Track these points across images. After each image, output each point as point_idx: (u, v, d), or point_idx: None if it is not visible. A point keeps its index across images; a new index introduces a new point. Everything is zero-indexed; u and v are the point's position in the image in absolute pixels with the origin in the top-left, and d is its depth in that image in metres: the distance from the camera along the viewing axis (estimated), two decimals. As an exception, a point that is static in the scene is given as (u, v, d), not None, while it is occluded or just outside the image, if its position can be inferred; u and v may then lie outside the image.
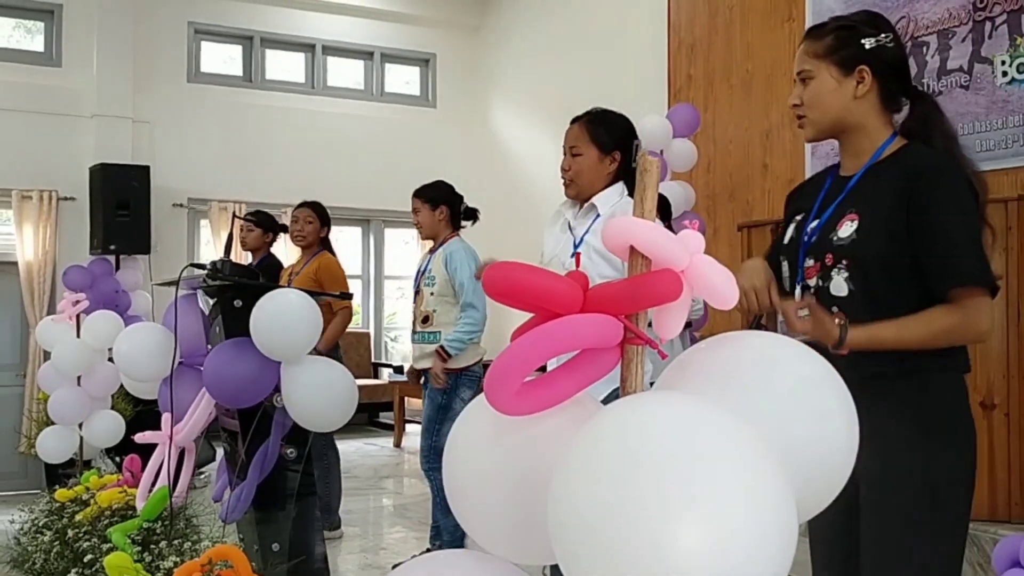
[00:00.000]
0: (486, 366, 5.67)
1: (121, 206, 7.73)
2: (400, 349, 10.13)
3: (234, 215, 4.73)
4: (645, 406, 0.79)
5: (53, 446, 5.19)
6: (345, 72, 9.83)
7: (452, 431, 1.00)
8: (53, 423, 5.48)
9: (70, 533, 3.16)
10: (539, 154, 9.26)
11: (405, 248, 10.10)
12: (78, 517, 3.26)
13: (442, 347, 3.91)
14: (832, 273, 1.87)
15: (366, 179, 9.30)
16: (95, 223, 7.89)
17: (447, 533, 3.96)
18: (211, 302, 3.41)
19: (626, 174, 2.89)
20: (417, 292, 4.19)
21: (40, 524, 3.60)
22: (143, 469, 3.58)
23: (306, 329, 2.90)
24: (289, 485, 3.06)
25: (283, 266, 5.40)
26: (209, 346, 3.33)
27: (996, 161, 4.78)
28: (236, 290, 3.06)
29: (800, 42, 2.05)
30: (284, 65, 9.52)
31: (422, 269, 4.22)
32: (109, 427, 5.27)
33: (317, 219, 5.01)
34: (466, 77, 10.10)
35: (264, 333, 2.88)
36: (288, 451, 3.08)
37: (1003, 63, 4.83)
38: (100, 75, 8.34)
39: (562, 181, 2.94)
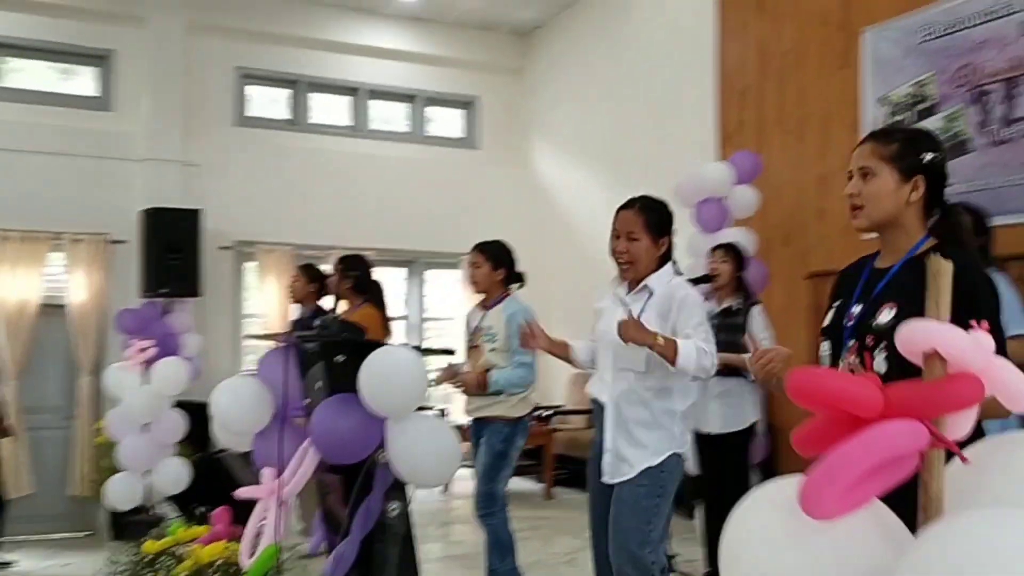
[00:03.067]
0: (534, 415, 5.72)
1: (172, 249, 7.79)
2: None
3: (336, 267, 4.78)
4: (990, 525, 0.80)
5: (121, 493, 5.22)
6: (389, 115, 9.93)
7: (732, 531, 1.01)
8: (117, 470, 5.53)
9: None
10: (582, 197, 9.32)
11: (447, 290, 10.13)
12: (177, 571, 3.26)
13: (488, 374, 4.05)
14: (874, 353, 2.08)
15: (409, 220, 9.36)
16: (146, 266, 7.95)
17: None
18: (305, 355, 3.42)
19: (669, 255, 3.20)
20: (473, 347, 4.25)
21: (129, 576, 3.60)
22: (233, 522, 3.59)
23: (414, 386, 2.92)
24: (392, 542, 3.05)
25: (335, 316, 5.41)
26: (308, 400, 3.34)
27: (1067, 209, 4.78)
28: (339, 346, 3.08)
29: (863, 141, 2.28)
30: (329, 108, 9.62)
31: (477, 324, 4.27)
32: (177, 474, 5.30)
33: (342, 269, 4.99)
34: (509, 120, 10.18)
35: (373, 389, 2.89)
36: (391, 507, 3.08)
37: (1072, 112, 4.85)
38: (150, 119, 8.46)
39: (618, 263, 3.16)
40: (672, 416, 3.03)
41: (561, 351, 3.33)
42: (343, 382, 3.08)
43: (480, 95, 10.15)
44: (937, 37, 5.58)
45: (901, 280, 2.12)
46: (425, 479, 3.06)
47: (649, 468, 2.98)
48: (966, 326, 1.77)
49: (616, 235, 3.16)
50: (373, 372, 2.90)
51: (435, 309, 9.98)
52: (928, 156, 2.19)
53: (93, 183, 8.27)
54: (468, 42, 9.91)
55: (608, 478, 3.06)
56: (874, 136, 2.26)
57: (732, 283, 4.68)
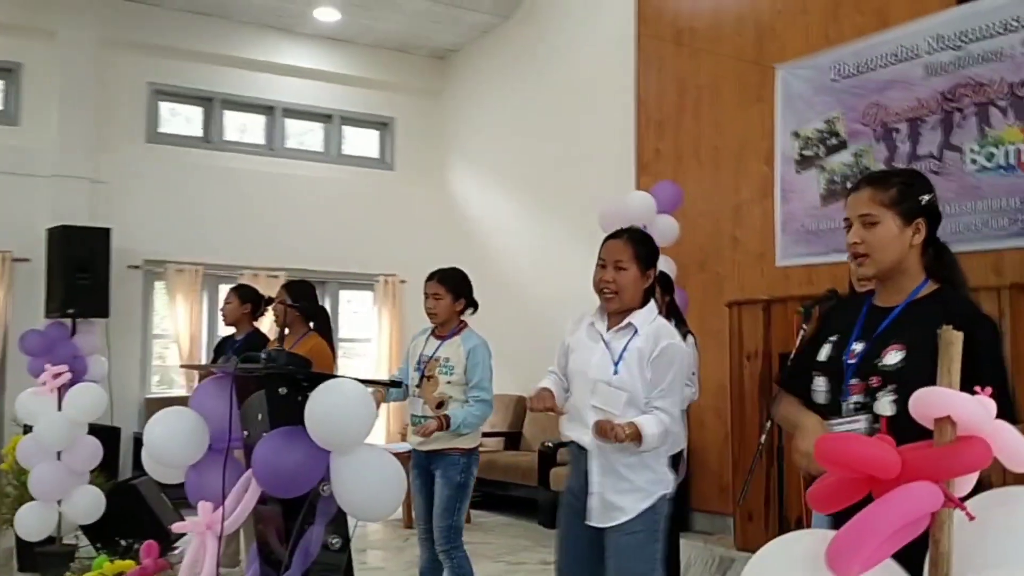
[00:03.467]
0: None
1: (81, 269, 7.56)
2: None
3: (268, 298, 4.68)
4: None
5: (33, 523, 5.02)
6: (304, 134, 9.84)
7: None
8: (24, 498, 5.31)
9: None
10: (499, 218, 9.39)
11: (361, 310, 10.07)
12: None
13: (448, 419, 3.97)
14: (878, 395, 2.08)
15: (324, 241, 9.28)
16: (53, 286, 7.69)
17: None
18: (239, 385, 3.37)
19: (651, 291, 3.11)
20: (427, 377, 4.14)
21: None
22: (161, 555, 3.50)
23: (360, 419, 2.91)
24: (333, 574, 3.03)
25: (266, 340, 5.24)
26: (246, 432, 3.29)
27: (970, 244, 5.04)
28: (283, 378, 3.04)
29: (857, 187, 2.27)
30: (243, 127, 9.48)
31: (431, 354, 4.18)
32: (90, 503, 5.13)
33: (287, 296, 4.72)
34: (425, 141, 10.20)
35: (319, 423, 2.87)
36: (332, 540, 3.06)
37: (972, 151, 5.13)
38: (59, 134, 8.21)
39: (602, 293, 3.05)
40: (657, 456, 3.01)
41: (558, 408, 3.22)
42: (285, 414, 3.04)
43: (397, 116, 10.15)
44: (846, 77, 5.84)
45: (906, 322, 2.13)
46: (369, 512, 3.03)
47: (644, 511, 2.94)
48: (980, 376, 1.86)
49: (602, 264, 3.06)
50: (319, 406, 2.88)
51: (349, 330, 9.91)
52: (926, 198, 2.21)
53: (-1, 198, 7.98)
54: (386, 63, 9.91)
55: (596, 522, 2.98)
56: (871, 182, 2.26)
57: (663, 310, 4.78)
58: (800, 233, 6.13)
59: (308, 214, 9.26)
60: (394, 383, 3.89)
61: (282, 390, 3.08)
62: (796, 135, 6.14)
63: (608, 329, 3.05)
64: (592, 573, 3.02)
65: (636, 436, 2.82)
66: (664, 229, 5.83)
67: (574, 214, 8.14)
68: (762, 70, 6.43)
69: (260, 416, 3.15)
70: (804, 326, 4.06)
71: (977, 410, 0.98)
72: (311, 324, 4.68)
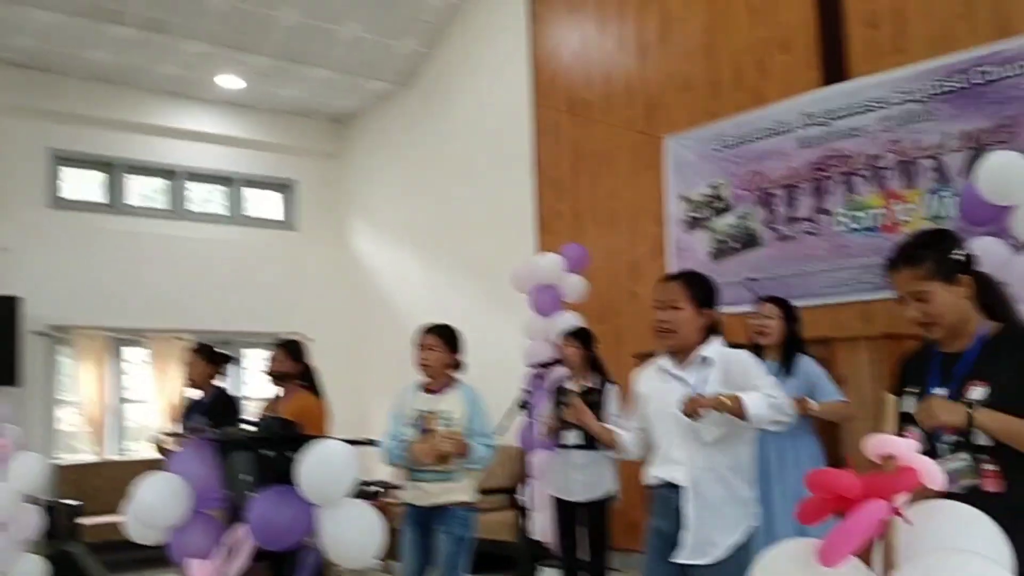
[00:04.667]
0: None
1: (-10, 338, 7.55)
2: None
3: (280, 353, 4.86)
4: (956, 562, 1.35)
5: (-27, 596, 5.05)
6: (207, 197, 10.02)
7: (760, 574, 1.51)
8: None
9: None
10: (401, 276, 9.77)
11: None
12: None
13: (467, 446, 4.02)
14: (973, 428, 2.28)
15: (228, 301, 9.44)
16: (-41, 356, 7.64)
17: None
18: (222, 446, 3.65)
19: (716, 330, 3.16)
20: (426, 431, 4.13)
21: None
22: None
23: (348, 476, 3.26)
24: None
25: (235, 402, 5.37)
26: (228, 492, 3.57)
27: (843, 296, 5.75)
28: (270, 441, 3.37)
29: (894, 266, 2.47)
30: (146, 190, 9.60)
31: (427, 409, 4.19)
32: (36, 572, 5.20)
33: (286, 355, 5.03)
34: (327, 201, 10.53)
35: (309, 480, 3.21)
36: (318, 587, 3.39)
37: (841, 215, 5.85)
38: (-41, 203, 8.18)
39: (658, 332, 3.11)
40: (747, 490, 3.05)
41: (606, 436, 3.34)
42: (270, 474, 3.37)
43: (299, 178, 10.44)
44: (728, 147, 6.52)
45: (983, 360, 2.33)
46: (353, 560, 3.38)
47: (735, 547, 2.97)
48: None
49: (658, 306, 3.10)
50: (309, 464, 3.22)
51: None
52: (958, 254, 2.39)
53: None
54: (287, 127, 10.22)
55: (689, 559, 2.99)
56: (905, 261, 2.42)
57: (586, 364, 5.24)
58: (692, 287, 6.74)
59: (213, 275, 9.42)
60: (371, 441, 4.17)
61: (268, 452, 3.40)
62: (686, 199, 6.78)
63: (681, 367, 3.10)
64: None
65: (737, 404, 2.88)
66: (572, 287, 6.36)
67: (477, 273, 8.62)
68: (652, 139, 7.06)
69: (246, 477, 3.46)
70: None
71: (909, 448, 1.47)
72: (300, 382, 4.89)
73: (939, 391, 2.35)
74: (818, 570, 1.46)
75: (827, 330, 5.42)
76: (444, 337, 4.32)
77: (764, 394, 2.92)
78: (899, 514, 1.48)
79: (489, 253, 8.43)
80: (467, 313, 8.44)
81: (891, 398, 1.63)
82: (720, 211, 6.58)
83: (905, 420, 2.43)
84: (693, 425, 2.98)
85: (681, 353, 3.12)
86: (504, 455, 5.96)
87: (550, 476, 5.22)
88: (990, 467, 2.27)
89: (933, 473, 1.52)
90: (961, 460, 2.28)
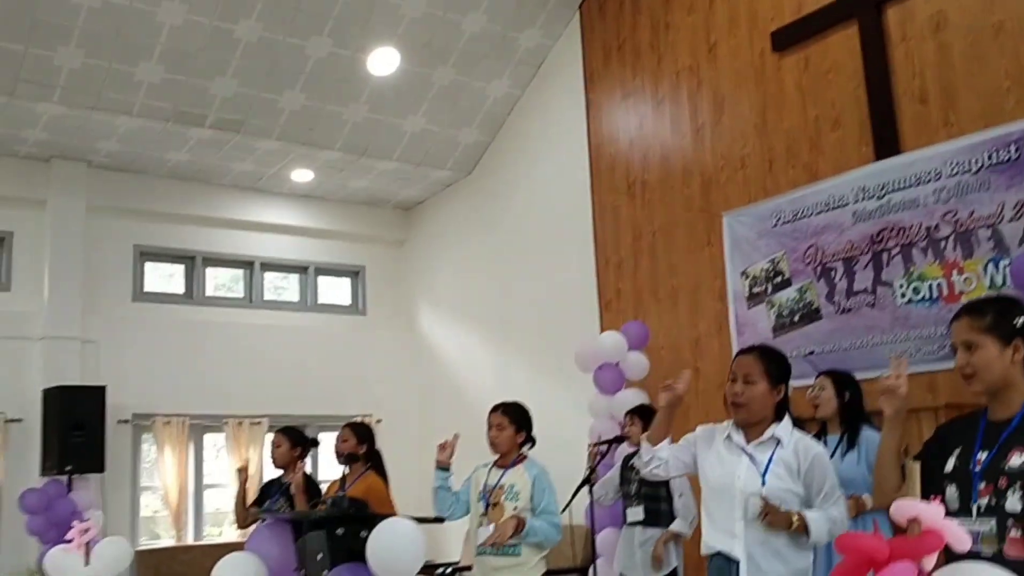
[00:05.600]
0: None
1: (76, 426, 7.88)
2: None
3: (314, 440, 5.02)
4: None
5: None
6: (281, 285, 10.41)
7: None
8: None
9: None
10: (466, 355, 9.97)
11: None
12: None
13: (523, 522, 4.07)
14: (1008, 493, 2.35)
15: (302, 386, 9.69)
16: (48, 444, 7.98)
17: None
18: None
19: (787, 407, 3.24)
20: (493, 505, 4.22)
21: None
22: None
23: (416, 553, 3.40)
24: None
25: (316, 484, 5.49)
26: (303, 569, 3.73)
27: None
28: (342, 520, 3.52)
29: (958, 315, 2.59)
30: (223, 282, 10.02)
31: (495, 483, 4.29)
32: (117, 655, 5.38)
33: (354, 437, 5.16)
34: (394, 286, 10.85)
35: (379, 558, 3.35)
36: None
37: (900, 286, 5.88)
38: (50, 298, 8.63)
39: (732, 405, 3.19)
40: (805, 561, 3.07)
41: (666, 426, 3.39)
42: (345, 552, 3.52)
43: (367, 264, 10.80)
44: (785, 223, 6.62)
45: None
46: (422, 634, 3.50)
47: None
48: None
49: (732, 379, 3.17)
50: (379, 542, 3.37)
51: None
52: (1021, 320, 2.47)
53: (-10, 363, 8.32)
54: (356, 217, 10.62)
55: None
56: (968, 311, 2.55)
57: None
58: (755, 362, 6.79)
59: (287, 361, 9.73)
60: (438, 519, 4.29)
61: (340, 531, 3.56)
62: (744, 274, 6.87)
63: (748, 442, 3.15)
64: None
65: (802, 526, 2.97)
66: (635, 365, 6.48)
67: (542, 352, 8.76)
68: (709, 217, 7.20)
69: (320, 555, 3.61)
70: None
71: (934, 512, 1.56)
72: (368, 464, 5.04)
73: (982, 455, 2.42)
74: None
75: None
76: (512, 415, 4.44)
77: (829, 518, 3.01)
78: (926, 574, 1.56)
79: (552, 333, 8.57)
80: (531, 392, 8.51)
81: (915, 465, 1.73)
82: (779, 286, 6.64)
83: (946, 479, 2.48)
84: (754, 497, 3.04)
85: (751, 428, 3.17)
86: (574, 534, 6.02)
87: (619, 556, 5.27)
88: (1017, 533, 2.30)
89: (958, 536, 1.60)
90: (988, 524, 2.33)
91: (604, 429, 6.09)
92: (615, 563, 5.34)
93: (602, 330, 7.58)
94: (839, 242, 6.26)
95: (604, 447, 5.63)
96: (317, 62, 8.14)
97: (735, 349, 6.95)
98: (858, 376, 4.84)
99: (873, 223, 6.04)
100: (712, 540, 3.17)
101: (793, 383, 5.93)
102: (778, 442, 3.13)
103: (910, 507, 1.59)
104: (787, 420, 3.19)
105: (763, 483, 3.08)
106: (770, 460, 3.10)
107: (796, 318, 6.49)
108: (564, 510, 4.79)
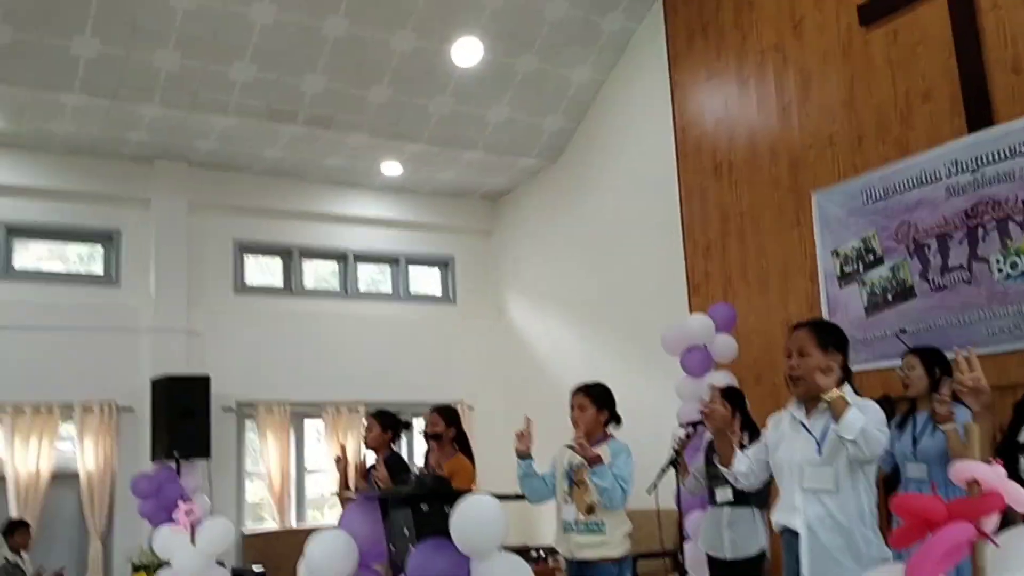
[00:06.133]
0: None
1: (184, 414, 8.22)
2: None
3: (406, 422, 5.15)
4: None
5: (174, 651, 5.52)
6: (375, 277, 10.65)
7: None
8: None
9: None
10: (554, 340, 10.03)
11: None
12: None
13: (599, 459, 4.13)
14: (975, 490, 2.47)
15: (395, 374, 9.90)
16: (157, 431, 8.36)
17: None
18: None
19: (847, 375, 3.26)
20: (576, 483, 4.31)
21: None
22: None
23: (498, 529, 3.47)
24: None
25: (407, 464, 5.65)
26: (391, 546, 3.85)
27: (1004, 344, 5.57)
28: (425, 497, 3.62)
29: None
30: (319, 274, 10.31)
31: (580, 462, 4.33)
32: (224, 630, 5.64)
33: (442, 420, 5.26)
34: (482, 276, 10.99)
35: (462, 533, 3.44)
36: (473, 639, 3.58)
37: (998, 262, 5.70)
38: (156, 292, 9.02)
39: (789, 379, 3.22)
40: (867, 541, 3.05)
41: (728, 446, 3.40)
42: (430, 527, 3.62)
43: (455, 255, 10.95)
44: (876, 200, 6.47)
45: None
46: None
47: None
48: None
49: (788, 354, 3.21)
50: (463, 518, 3.45)
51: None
52: None
53: (102, 355, 8.75)
54: (444, 207, 10.79)
55: None
56: None
57: (739, 423, 5.29)
58: (848, 344, 6.66)
59: (381, 350, 9.97)
60: (520, 496, 4.39)
61: (424, 507, 3.66)
62: (835, 253, 6.75)
63: (808, 416, 3.19)
64: None
65: (840, 406, 2.97)
66: (723, 347, 6.43)
67: (630, 338, 8.76)
68: (798, 196, 7.09)
69: (406, 531, 3.72)
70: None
71: (994, 474, 1.55)
72: (455, 446, 5.16)
73: None
74: (909, 590, 1.55)
75: (988, 379, 5.26)
76: (593, 395, 4.48)
77: (865, 421, 2.97)
78: (986, 536, 1.55)
79: (640, 318, 8.56)
80: (619, 376, 8.54)
81: (975, 426, 1.71)
82: (871, 264, 6.51)
83: (1020, 451, 2.45)
84: (812, 468, 3.06)
85: (811, 400, 3.18)
86: (662, 518, 6.02)
87: (703, 534, 5.26)
88: None
89: (1019, 497, 1.58)
90: None
91: (692, 412, 6.06)
92: (700, 542, 5.33)
93: (691, 314, 7.54)
94: (932, 218, 6.09)
95: (691, 429, 5.61)
96: (402, 56, 8.29)
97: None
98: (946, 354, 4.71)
99: (967, 197, 5.86)
100: (779, 515, 3.23)
101: (886, 363, 5.83)
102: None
103: (970, 468, 1.58)
104: (845, 387, 3.17)
105: (819, 453, 3.10)
106: (826, 428, 3.10)
107: (889, 297, 6.35)
108: (650, 491, 4.80)
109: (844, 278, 6.71)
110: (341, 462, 5.75)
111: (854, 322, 6.60)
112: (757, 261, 7.50)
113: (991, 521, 1.58)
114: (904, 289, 6.26)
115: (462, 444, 5.16)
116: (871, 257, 6.52)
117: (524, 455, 4.42)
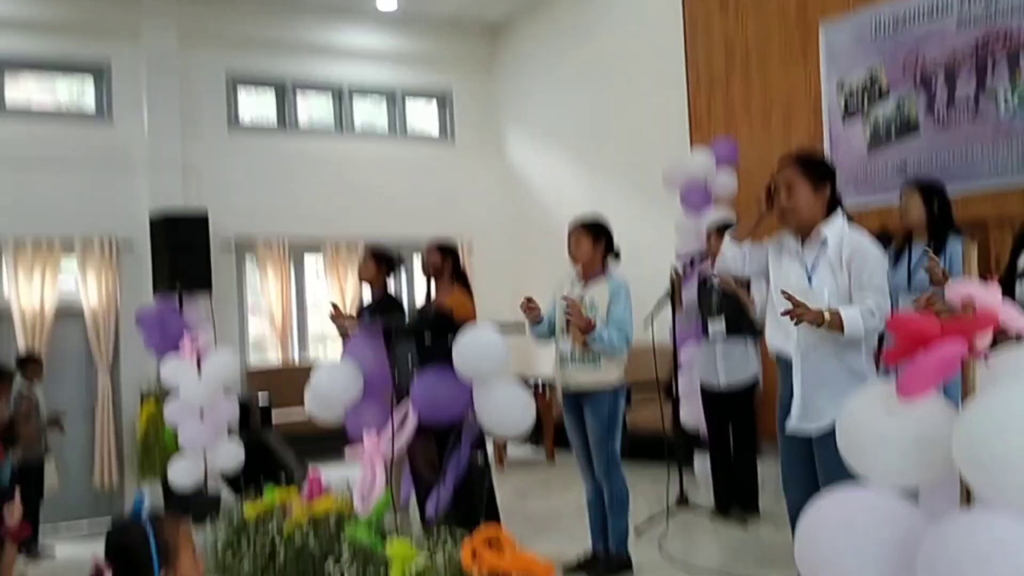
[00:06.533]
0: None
1: (184, 249, 8.26)
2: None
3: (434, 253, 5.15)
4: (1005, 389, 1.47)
5: (184, 474, 5.75)
6: (370, 113, 10.48)
7: (847, 413, 1.66)
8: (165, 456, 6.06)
9: (296, 537, 3.72)
10: (554, 177, 9.98)
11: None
12: (290, 524, 3.81)
13: (593, 327, 4.15)
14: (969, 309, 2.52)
15: (392, 212, 9.88)
16: (158, 266, 8.42)
17: (617, 533, 4.34)
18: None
19: (838, 203, 3.31)
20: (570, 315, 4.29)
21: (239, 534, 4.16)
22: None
23: (499, 357, 3.55)
24: (479, 480, 3.70)
25: (399, 302, 5.70)
26: (395, 375, 3.95)
27: (1007, 178, 5.55)
28: (429, 328, 3.69)
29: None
30: (314, 110, 10.14)
31: (574, 295, 4.35)
32: (232, 454, 5.85)
33: (439, 254, 5.22)
34: (481, 112, 10.80)
35: (465, 360, 3.52)
36: (478, 455, 3.72)
37: (1005, 93, 5.61)
38: (150, 127, 8.90)
39: (782, 214, 3.29)
40: (861, 362, 3.13)
41: (751, 229, 3.45)
42: (431, 357, 3.70)
43: (453, 89, 10.74)
44: (885, 31, 6.31)
45: None
46: (507, 431, 3.69)
47: None
48: None
49: (776, 190, 3.27)
50: (465, 347, 3.53)
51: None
52: None
53: (99, 191, 8.72)
54: (442, 39, 10.49)
55: (799, 422, 3.17)
56: None
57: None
58: (849, 179, 6.62)
59: (379, 187, 9.92)
60: (520, 327, 4.45)
61: (427, 338, 3.73)
62: (841, 87, 6.63)
63: (803, 246, 3.25)
64: (806, 476, 3.19)
65: (837, 322, 3.01)
66: (722, 183, 6.40)
67: (632, 173, 8.71)
68: (805, 28, 6.90)
69: (410, 361, 3.81)
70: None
71: (989, 293, 1.57)
72: (454, 281, 5.18)
73: None
74: (898, 406, 1.60)
75: (989, 213, 5.29)
76: (590, 230, 4.47)
77: (866, 309, 3.04)
78: (978, 354, 1.59)
79: (642, 154, 8.49)
80: (620, 212, 8.56)
81: (973, 246, 1.73)
82: (876, 99, 6.40)
83: (1020, 277, 2.48)
84: (803, 297, 3.08)
85: (804, 232, 3.25)
86: (657, 351, 6.16)
87: (697, 366, 5.39)
88: None
89: (1013, 316, 1.61)
90: None
91: (690, 248, 6.11)
92: (695, 373, 5.47)
93: (692, 150, 7.47)
94: (941, 50, 5.95)
95: (688, 264, 5.67)
96: None
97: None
98: (957, 188, 4.70)
99: (978, 29, 5.71)
100: (774, 341, 3.33)
101: (886, 200, 5.82)
102: (824, 240, 3.20)
103: (965, 288, 1.60)
104: (837, 216, 3.24)
105: (809, 283, 3.18)
106: (816, 258, 3.20)
107: (893, 132, 6.29)
108: (646, 323, 4.88)
109: (848, 113, 6.62)
110: (338, 315, 5.80)
111: (856, 158, 6.56)
112: (761, 96, 7.37)
113: (984, 339, 1.61)
114: (908, 124, 6.19)
115: (461, 279, 5.17)
116: (876, 91, 6.41)
117: (535, 321, 4.43)
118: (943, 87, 5.97)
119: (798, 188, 3.20)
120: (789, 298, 3.02)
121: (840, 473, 2.95)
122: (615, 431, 4.33)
